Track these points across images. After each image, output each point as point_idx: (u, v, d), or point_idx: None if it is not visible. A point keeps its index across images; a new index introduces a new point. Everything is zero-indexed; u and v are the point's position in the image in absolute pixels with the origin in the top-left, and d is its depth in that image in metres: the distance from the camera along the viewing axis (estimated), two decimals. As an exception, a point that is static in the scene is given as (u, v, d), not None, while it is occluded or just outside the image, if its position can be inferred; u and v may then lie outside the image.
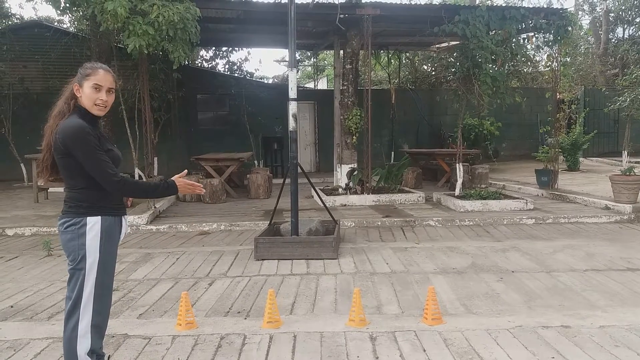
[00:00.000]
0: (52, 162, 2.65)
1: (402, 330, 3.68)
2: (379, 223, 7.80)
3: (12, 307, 4.35)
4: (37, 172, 2.72)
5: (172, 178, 2.72)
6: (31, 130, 13.79)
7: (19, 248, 6.66)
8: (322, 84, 25.47)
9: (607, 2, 22.19)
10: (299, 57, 20.51)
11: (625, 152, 13.27)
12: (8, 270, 5.58)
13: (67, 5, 8.33)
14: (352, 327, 3.73)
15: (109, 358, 2.93)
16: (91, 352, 2.62)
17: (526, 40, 9.93)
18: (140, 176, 10.40)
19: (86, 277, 2.58)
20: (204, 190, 2.65)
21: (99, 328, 2.67)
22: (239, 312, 4.14)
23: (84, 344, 2.59)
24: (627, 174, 8.45)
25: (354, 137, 10.40)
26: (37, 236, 7.31)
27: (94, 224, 2.58)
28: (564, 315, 3.93)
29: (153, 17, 7.43)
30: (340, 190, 10.11)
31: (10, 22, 15.37)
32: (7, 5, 15.44)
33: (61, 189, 9.84)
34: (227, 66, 19.02)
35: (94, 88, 2.60)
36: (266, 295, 4.00)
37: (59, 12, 9.29)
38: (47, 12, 38.64)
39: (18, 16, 16.84)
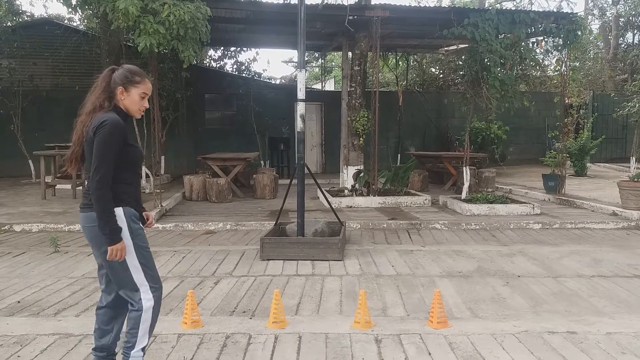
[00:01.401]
0: (82, 155, 2.76)
1: (407, 333, 3.67)
2: (385, 225, 7.79)
3: (19, 302, 4.38)
4: (67, 165, 2.87)
5: (122, 242, 2.65)
6: (40, 127, 13.94)
7: (26, 244, 6.71)
8: (330, 85, 25.48)
9: (617, 7, 22.08)
10: (307, 58, 20.51)
11: (634, 158, 13.19)
12: (15, 265, 5.61)
13: (79, 3, 8.38)
14: (357, 329, 3.73)
15: (115, 355, 2.96)
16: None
17: (535, 44, 9.90)
18: (147, 174, 10.46)
19: (128, 260, 2.70)
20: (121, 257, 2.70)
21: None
22: (244, 312, 4.15)
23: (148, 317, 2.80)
24: (635, 180, 8.40)
25: (361, 138, 10.40)
26: (44, 232, 7.36)
27: (118, 215, 2.67)
28: (571, 321, 3.92)
29: (164, 16, 7.47)
30: (346, 191, 10.11)
31: (20, 20, 15.47)
32: (18, 2, 15.53)
33: (68, 186, 9.86)
34: (235, 66, 19.07)
35: (141, 97, 2.79)
36: (271, 295, 4.01)
37: (69, 10, 9.33)
38: (57, 9, 38.91)
39: (29, 13, 16.94)
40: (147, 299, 2.76)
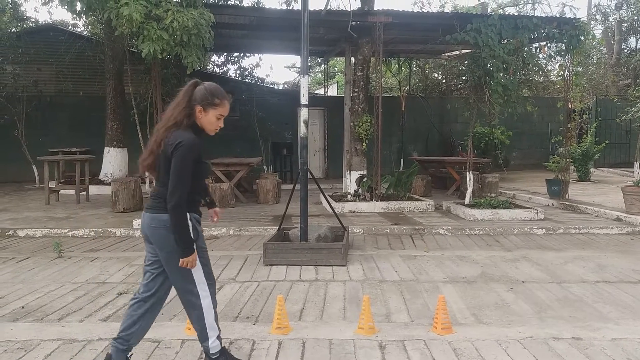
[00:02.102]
0: (155, 162, 2.85)
1: (411, 339, 3.66)
2: (388, 230, 7.78)
3: (23, 307, 4.39)
4: (142, 169, 2.99)
5: (194, 254, 2.82)
6: (44, 133, 13.99)
7: (30, 249, 6.72)
8: (332, 91, 25.52)
9: (620, 12, 22.09)
10: (309, 64, 20.55)
11: (637, 163, 13.14)
12: (19, 271, 5.63)
13: (83, 9, 8.43)
14: (361, 335, 3.72)
15: (130, 352, 3.04)
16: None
17: (538, 49, 9.91)
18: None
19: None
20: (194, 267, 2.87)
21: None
22: (247, 317, 4.14)
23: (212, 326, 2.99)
24: (639, 185, 8.37)
25: (364, 143, 10.41)
26: (48, 237, 7.37)
27: (188, 219, 2.80)
28: (575, 327, 3.90)
29: (167, 22, 7.50)
30: (349, 196, 10.10)
31: (25, 26, 15.56)
32: (22, 8, 15.63)
33: (72, 191, 9.92)
34: (238, 72, 19.11)
35: (218, 118, 2.87)
36: (275, 300, 4.00)
37: (74, 16, 9.39)
38: (62, 15, 39.15)
39: (33, 19, 17.04)
40: (204, 296, 2.92)
